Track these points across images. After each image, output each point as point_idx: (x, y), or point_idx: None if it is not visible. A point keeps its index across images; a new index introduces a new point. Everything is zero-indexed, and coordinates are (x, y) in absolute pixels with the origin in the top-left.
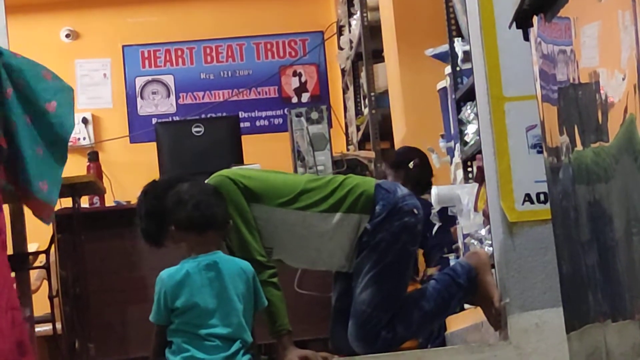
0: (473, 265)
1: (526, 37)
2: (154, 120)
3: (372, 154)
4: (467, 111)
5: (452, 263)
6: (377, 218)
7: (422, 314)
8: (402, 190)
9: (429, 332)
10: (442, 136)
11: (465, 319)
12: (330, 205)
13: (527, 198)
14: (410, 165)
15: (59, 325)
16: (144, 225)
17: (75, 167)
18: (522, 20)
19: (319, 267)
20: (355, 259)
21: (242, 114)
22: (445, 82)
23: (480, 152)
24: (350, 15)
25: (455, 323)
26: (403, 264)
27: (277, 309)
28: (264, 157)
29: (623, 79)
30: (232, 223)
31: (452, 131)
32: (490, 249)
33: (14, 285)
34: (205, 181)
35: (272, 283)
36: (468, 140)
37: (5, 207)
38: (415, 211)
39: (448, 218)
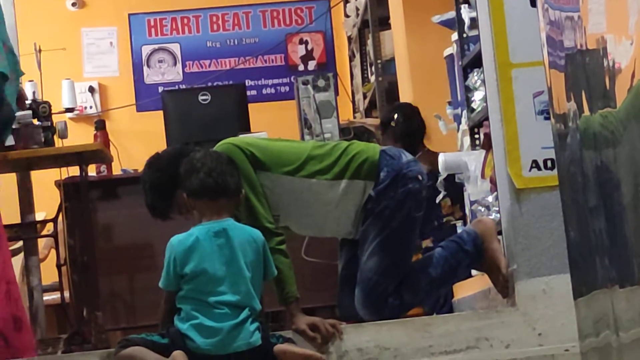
0: (479, 233)
1: (533, 4)
2: (160, 89)
3: (378, 122)
4: (474, 78)
5: (459, 230)
6: (382, 184)
7: (429, 280)
8: (407, 157)
9: (435, 299)
10: (449, 103)
11: (473, 286)
12: (336, 173)
13: (534, 164)
14: (392, 123)
15: (67, 294)
16: (149, 199)
17: (82, 135)
18: None
19: (326, 234)
20: (361, 226)
21: (248, 82)
22: (452, 49)
23: (487, 118)
24: None
25: (463, 290)
26: (408, 230)
27: (286, 276)
28: (271, 125)
29: (631, 44)
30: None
31: (459, 98)
32: (498, 215)
33: (11, 260)
34: (212, 149)
35: (281, 250)
36: (475, 107)
37: (12, 176)
38: (420, 177)
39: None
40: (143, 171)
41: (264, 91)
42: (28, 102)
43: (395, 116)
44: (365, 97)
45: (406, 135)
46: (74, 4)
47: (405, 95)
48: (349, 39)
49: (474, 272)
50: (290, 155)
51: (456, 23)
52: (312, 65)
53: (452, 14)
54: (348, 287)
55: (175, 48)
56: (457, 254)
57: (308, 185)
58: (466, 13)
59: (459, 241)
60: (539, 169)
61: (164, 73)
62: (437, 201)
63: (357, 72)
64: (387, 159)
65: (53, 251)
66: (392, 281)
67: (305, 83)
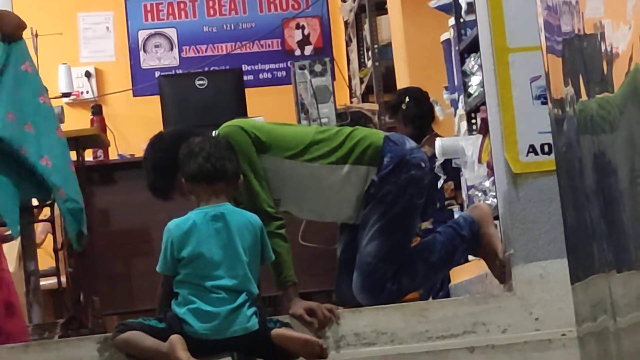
0: (475, 218)
1: None
2: (157, 74)
3: (375, 107)
4: (471, 63)
5: (456, 215)
6: (385, 170)
7: (427, 266)
8: (410, 143)
9: (432, 284)
10: (446, 88)
11: (469, 271)
12: (339, 157)
13: (532, 149)
14: (403, 106)
15: (63, 279)
16: (152, 179)
17: (79, 120)
18: None
19: (327, 219)
20: (362, 211)
21: (245, 67)
22: (449, 34)
23: (484, 103)
24: None
25: (460, 275)
26: (409, 216)
27: (284, 260)
28: (268, 110)
29: (629, 29)
30: (242, 175)
31: (456, 83)
32: (495, 200)
33: (2, 247)
34: (217, 130)
35: (280, 234)
36: (472, 91)
37: None
38: (423, 164)
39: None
40: (145, 151)
41: (260, 76)
42: None
43: (407, 99)
44: (362, 82)
45: (417, 118)
46: None
47: (402, 80)
48: (346, 23)
49: (470, 257)
50: (294, 139)
51: (453, 8)
52: (308, 50)
53: None
54: (346, 271)
55: (172, 33)
56: (454, 239)
57: (310, 170)
58: None
59: (456, 227)
60: (536, 153)
61: (161, 58)
62: (440, 185)
63: (354, 57)
64: (390, 145)
65: (50, 236)
66: (391, 266)
67: (302, 68)
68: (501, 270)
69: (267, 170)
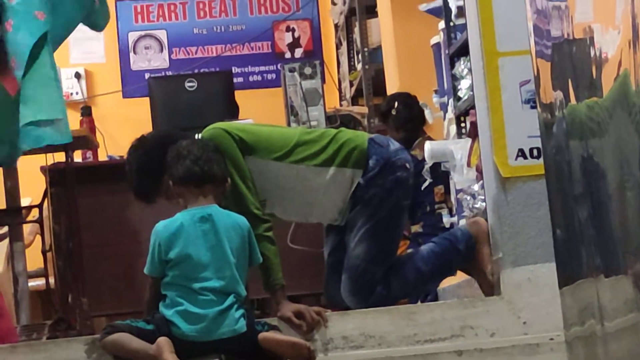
0: (473, 234)
1: None
2: (147, 75)
3: (365, 110)
4: (461, 66)
5: (444, 219)
6: (371, 172)
7: (419, 274)
8: (394, 145)
9: (423, 293)
10: (436, 91)
11: (458, 275)
12: (324, 160)
13: (521, 153)
14: (393, 111)
15: (52, 280)
16: (136, 182)
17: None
18: None
19: (312, 220)
20: (348, 213)
21: (235, 69)
22: (439, 37)
23: (473, 107)
24: None
25: (448, 279)
26: (396, 218)
27: (272, 263)
28: (257, 113)
29: (618, 34)
30: (229, 178)
31: (446, 86)
32: (483, 204)
33: None
34: (200, 133)
35: (267, 237)
36: (461, 95)
37: None
38: (407, 166)
39: (434, 177)
40: (128, 153)
41: (250, 78)
42: None
43: (396, 104)
44: (351, 85)
45: (408, 122)
46: None
47: (392, 83)
48: (336, 26)
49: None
50: (279, 140)
51: (443, 11)
52: (298, 52)
53: (439, 2)
54: (334, 274)
55: (162, 35)
56: (449, 251)
57: (296, 171)
58: (453, 1)
59: (452, 239)
60: (525, 157)
61: (151, 59)
62: (429, 188)
63: (344, 60)
64: (375, 147)
65: (38, 237)
66: (379, 268)
67: (291, 70)
68: (490, 288)
69: (252, 172)
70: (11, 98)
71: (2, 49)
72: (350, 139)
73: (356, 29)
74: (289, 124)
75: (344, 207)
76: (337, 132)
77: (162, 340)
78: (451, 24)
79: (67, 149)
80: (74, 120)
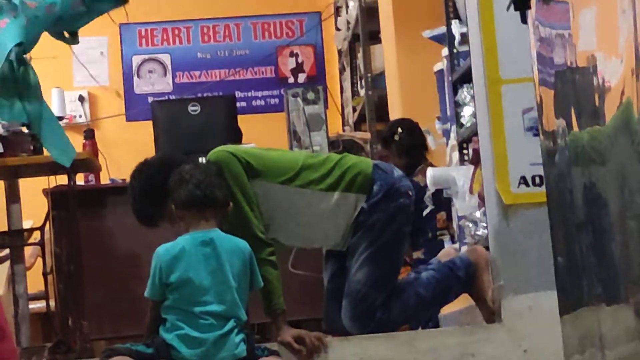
0: (472, 261)
1: (524, 20)
2: (150, 99)
3: (368, 135)
4: (464, 93)
5: (446, 245)
6: (374, 198)
7: (419, 300)
8: (398, 172)
9: (423, 319)
10: (438, 118)
11: (459, 302)
12: (329, 185)
13: (523, 180)
14: (396, 137)
15: (52, 303)
16: (138, 206)
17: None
18: (520, 3)
19: (314, 246)
20: (350, 238)
21: (238, 94)
22: (442, 64)
23: (476, 134)
24: None
25: (449, 305)
26: (398, 244)
27: (274, 287)
28: (260, 137)
29: (621, 62)
30: (233, 199)
31: (449, 113)
32: (485, 231)
33: None
34: (206, 156)
35: (270, 261)
36: (464, 122)
37: (0, 184)
38: (410, 192)
39: (436, 204)
40: (131, 177)
41: (253, 103)
42: None
43: (399, 130)
44: (354, 110)
45: (411, 148)
46: None
47: (395, 109)
48: (340, 52)
49: None
50: (285, 164)
51: (447, 38)
52: (302, 78)
53: (442, 29)
54: (334, 299)
55: (166, 58)
56: (449, 278)
57: (301, 195)
58: (457, 28)
59: (452, 266)
60: (527, 185)
61: (154, 83)
62: (431, 214)
63: (347, 85)
64: (380, 173)
65: (40, 259)
66: (380, 293)
67: (295, 95)
68: (491, 316)
69: (258, 195)
70: None
71: None
72: (355, 164)
73: (359, 55)
74: (291, 149)
75: (346, 231)
76: (341, 157)
77: None
78: (454, 50)
79: (70, 171)
80: (77, 143)
